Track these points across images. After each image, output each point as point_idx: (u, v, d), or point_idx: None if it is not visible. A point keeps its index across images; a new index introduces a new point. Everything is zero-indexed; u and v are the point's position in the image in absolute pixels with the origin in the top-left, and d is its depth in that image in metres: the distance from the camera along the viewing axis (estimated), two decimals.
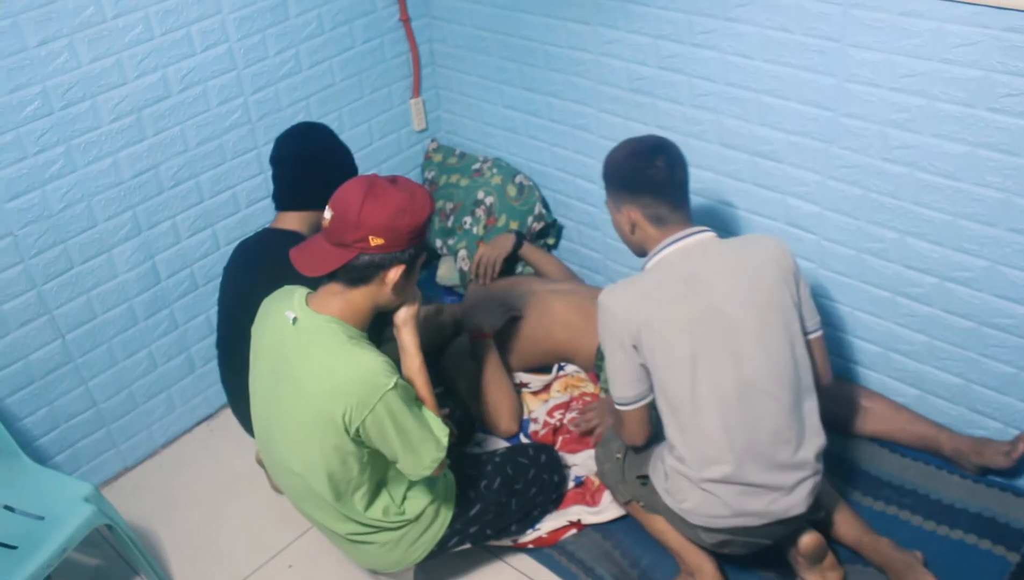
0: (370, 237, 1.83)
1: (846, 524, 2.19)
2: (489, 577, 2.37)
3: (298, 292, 1.97)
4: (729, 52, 2.36)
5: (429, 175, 3.32)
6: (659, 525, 2.21)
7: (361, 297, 1.91)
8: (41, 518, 2.15)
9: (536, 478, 2.34)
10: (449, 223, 3.16)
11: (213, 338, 2.86)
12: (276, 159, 2.36)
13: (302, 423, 1.92)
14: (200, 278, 2.79)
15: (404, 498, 2.10)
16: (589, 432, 2.60)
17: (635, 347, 1.96)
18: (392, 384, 1.85)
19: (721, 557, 2.17)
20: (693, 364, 1.93)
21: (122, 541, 2.25)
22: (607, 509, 2.40)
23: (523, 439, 2.67)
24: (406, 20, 3.05)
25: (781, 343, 1.95)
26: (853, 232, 2.36)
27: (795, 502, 1.98)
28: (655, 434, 2.10)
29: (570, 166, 3.01)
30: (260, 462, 2.62)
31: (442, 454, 1.97)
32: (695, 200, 2.65)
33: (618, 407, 2.07)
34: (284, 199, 2.35)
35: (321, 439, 1.91)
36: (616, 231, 2.14)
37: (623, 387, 2.03)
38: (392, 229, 1.83)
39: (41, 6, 2.20)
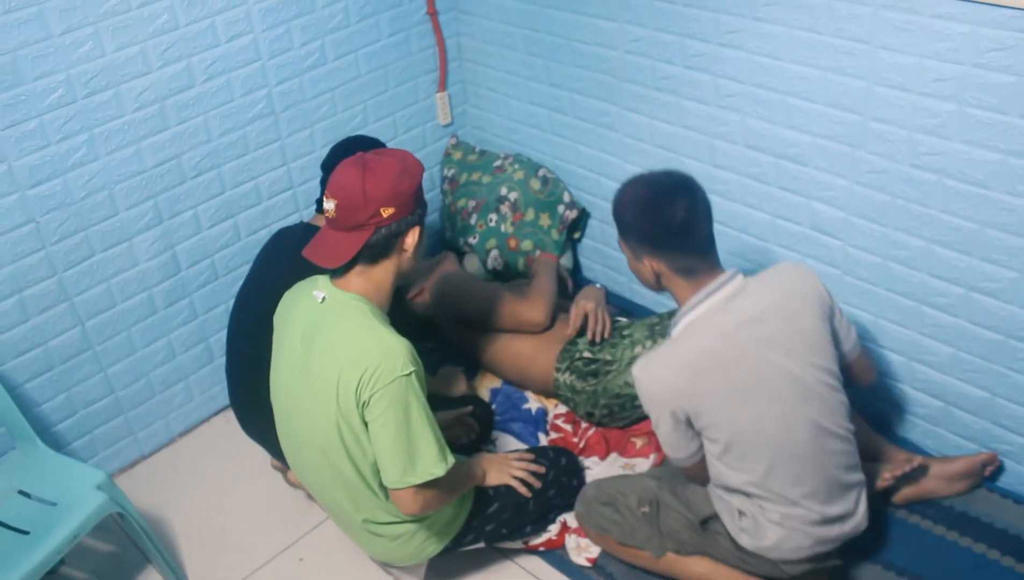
0: (381, 209, 1.86)
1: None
2: (499, 577, 2.35)
3: (321, 278, 2.00)
4: (756, 52, 2.32)
5: (449, 173, 3.30)
6: (703, 567, 2.12)
7: (383, 271, 1.95)
8: (54, 504, 2.17)
9: (555, 480, 2.33)
10: (472, 221, 3.14)
11: None
12: (329, 165, 2.36)
13: (330, 396, 1.91)
14: (220, 268, 2.80)
15: None
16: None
17: (688, 420, 1.90)
18: (411, 371, 1.87)
19: None
20: (758, 423, 1.87)
21: (134, 529, 2.26)
22: (572, 550, 2.34)
23: (542, 439, 2.65)
24: (433, 14, 3.04)
25: (831, 377, 1.92)
26: (879, 239, 2.31)
27: (860, 519, 2.00)
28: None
29: (594, 164, 2.98)
30: (275, 467, 2.62)
31: (439, 472, 1.91)
32: (719, 204, 2.63)
33: (677, 464, 2.04)
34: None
35: (348, 415, 1.90)
36: (634, 274, 2.03)
37: (677, 450, 1.98)
38: (399, 195, 1.87)
39: None
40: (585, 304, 2.63)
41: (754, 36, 2.30)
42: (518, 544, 2.36)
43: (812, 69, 2.23)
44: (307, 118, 2.82)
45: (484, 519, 2.20)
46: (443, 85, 3.19)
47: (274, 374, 2.12)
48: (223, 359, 2.88)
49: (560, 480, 2.34)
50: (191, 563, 2.49)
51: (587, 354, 2.56)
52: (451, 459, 1.95)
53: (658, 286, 1.98)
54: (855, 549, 2.16)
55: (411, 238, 1.94)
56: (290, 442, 2.13)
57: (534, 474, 2.26)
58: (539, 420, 2.68)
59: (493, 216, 3.08)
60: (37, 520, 2.12)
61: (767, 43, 2.28)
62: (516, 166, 3.10)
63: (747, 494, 1.96)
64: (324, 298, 1.96)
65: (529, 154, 3.19)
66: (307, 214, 2.86)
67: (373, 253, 1.92)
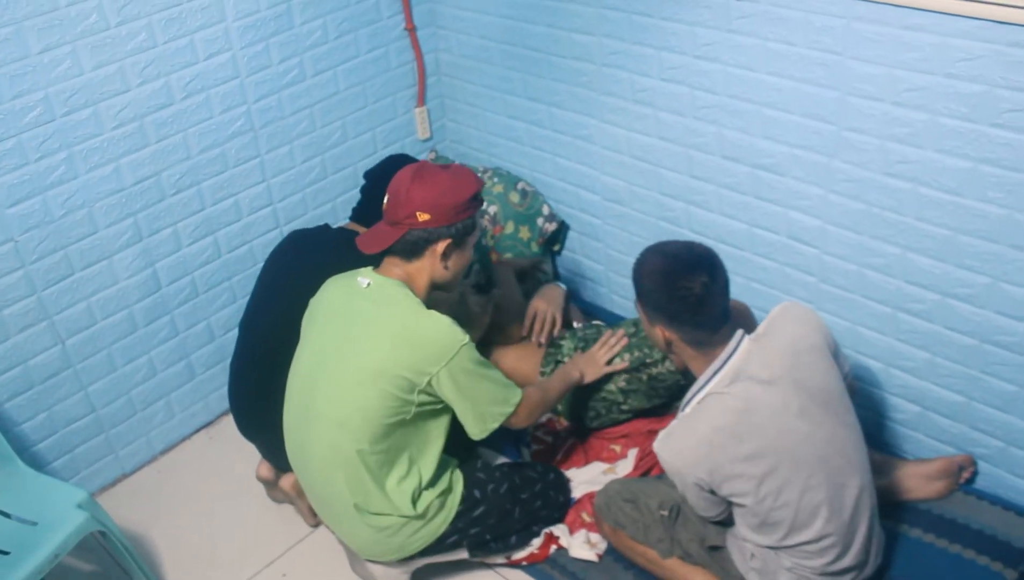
0: (417, 213, 2.02)
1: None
2: None
3: (364, 269, 2.15)
4: (731, 64, 2.35)
5: None
6: (701, 577, 2.16)
7: (417, 270, 2.10)
8: (34, 524, 2.15)
9: (542, 492, 2.35)
10: None
11: (214, 345, 2.89)
12: (373, 174, 2.47)
13: (369, 367, 2.03)
14: (201, 286, 2.79)
15: (425, 487, 2.14)
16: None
17: (712, 491, 1.94)
18: (467, 340, 2.03)
19: None
20: (781, 489, 1.87)
21: (116, 548, 2.25)
22: (578, 547, 2.36)
23: (524, 453, 2.66)
24: (411, 29, 3.05)
25: (848, 432, 1.94)
26: (855, 247, 2.34)
27: (875, 559, 2.03)
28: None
29: (573, 177, 3.00)
30: (260, 478, 2.62)
31: (510, 409, 2.14)
32: (696, 215, 2.65)
33: (704, 516, 2.08)
34: (366, 216, 2.39)
35: (382, 385, 2.01)
36: (647, 334, 2.09)
37: (707, 511, 2.04)
38: (437, 206, 2.02)
39: (44, 13, 2.21)
40: (536, 304, 2.73)
41: (729, 48, 2.33)
42: (501, 559, 2.36)
43: (786, 80, 2.26)
44: (286, 134, 2.82)
45: (470, 521, 2.22)
46: (422, 100, 3.21)
47: (303, 350, 2.19)
48: (204, 376, 2.90)
49: (548, 493, 2.36)
50: None
51: (568, 360, 2.58)
52: (516, 392, 2.15)
53: (669, 352, 2.03)
54: None
55: (440, 247, 2.06)
56: (303, 418, 2.16)
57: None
58: (521, 432, 2.68)
59: None
60: (17, 540, 2.10)
61: (742, 55, 2.31)
62: (495, 180, 3.12)
63: (769, 546, 1.98)
64: (369, 284, 2.10)
65: (508, 168, 3.21)
66: (288, 230, 2.85)
67: (405, 250, 2.08)
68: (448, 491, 2.19)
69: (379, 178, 2.33)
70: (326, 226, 2.53)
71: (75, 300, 2.52)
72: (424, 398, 2.05)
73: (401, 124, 3.19)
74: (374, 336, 2.04)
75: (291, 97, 2.80)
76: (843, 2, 2.07)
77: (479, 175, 3.14)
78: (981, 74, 1.93)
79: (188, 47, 2.51)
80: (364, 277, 2.11)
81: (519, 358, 2.69)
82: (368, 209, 2.39)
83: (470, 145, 3.31)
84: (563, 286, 2.82)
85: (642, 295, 2.00)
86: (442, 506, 2.17)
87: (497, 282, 2.83)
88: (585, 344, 2.61)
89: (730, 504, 1.98)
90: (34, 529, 2.14)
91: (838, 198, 2.31)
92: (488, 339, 2.69)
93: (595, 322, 2.77)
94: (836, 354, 2.00)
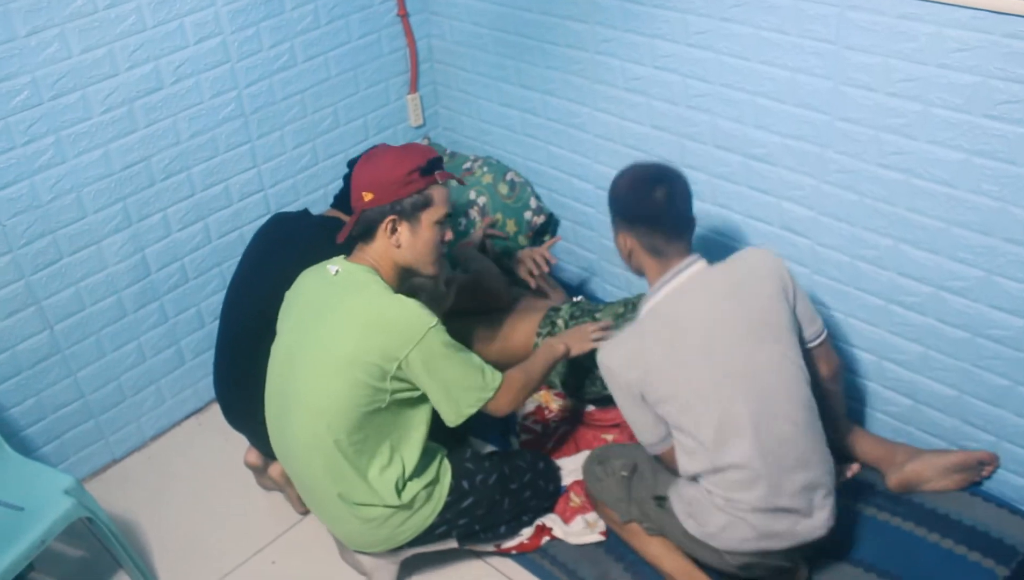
0: (363, 194, 2.04)
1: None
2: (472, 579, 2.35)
3: (337, 257, 2.15)
4: (724, 53, 2.33)
5: None
6: (655, 549, 2.20)
7: (378, 254, 2.09)
8: (21, 509, 2.14)
9: (532, 482, 2.34)
10: None
11: (204, 331, 2.88)
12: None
13: (339, 356, 2.00)
14: (191, 271, 2.78)
15: (409, 476, 2.12)
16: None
17: (643, 397, 2.00)
18: (435, 322, 2.00)
19: None
20: (705, 405, 1.94)
21: (103, 534, 2.24)
22: (579, 534, 2.36)
23: (513, 442, 2.65)
24: (404, 15, 3.03)
25: (787, 365, 1.98)
26: (847, 238, 2.32)
27: (817, 523, 1.99)
28: None
29: (565, 165, 2.98)
30: (248, 465, 2.61)
31: (489, 394, 2.08)
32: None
33: (649, 451, 2.12)
34: (348, 203, 2.34)
35: (353, 373, 1.99)
36: (616, 246, 2.14)
37: (645, 433, 2.08)
38: (377, 184, 2.03)
39: None
40: (520, 254, 2.83)
41: (722, 37, 2.31)
42: (490, 547, 2.36)
43: (780, 69, 2.24)
44: (277, 120, 2.81)
45: (458, 512, 2.20)
46: (414, 87, 3.19)
47: (280, 341, 2.18)
48: (195, 362, 2.89)
49: (537, 483, 2.35)
50: (163, 567, 2.47)
51: (562, 322, 2.59)
52: (495, 376, 2.10)
53: (631, 262, 2.10)
54: (822, 547, 2.17)
55: (386, 225, 2.05)
56: (282, 408, 2.15)
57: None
58: (510, 421, 2.67)
59: (462, 220, 3.06)
60: (4, 526, 2.09)
61: (735, 44, 2.29)
62: (485, 169, 3.09)
63: (696, 474, 2.00)
64: (337, 271, 2.09)
65: (500, 156, 3.19)
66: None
67: (362, 234, 2.09)
68: (435, 482, 2.18)
69: None
70: (307, 212, 2.52)
71: (64, 285, 2.50)
72: (397, 385, 2.02)
73: (393, 111, 3.17)
74: (343, 323, 2.02)
75: (282, 82, 2.78)
76: None
77: (468, 164, 3.13)
78: (977, 65, 1.91)
79: (178, 31, 2.49)
80: (334, 265, 2.11)
81: (515, 324, 2.68)
82: (350, 197, 2.37)
83: (463, 133, 3.29)
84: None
85: (610, 204, 2.10)
86: (429, 497, 2.16)
87: (460, 262, 2.81)
88: (581, 313, 2.61)
89: (669, 436, 2.03)
90: (21, 515, 2.13)
91: (831, 189, 2.29)
92: (484, 307, 2.70)
93: (576, 298, 2.76)
94: (796, 302, 2.05)
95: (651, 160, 2.14)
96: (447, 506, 2.19)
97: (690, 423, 1.96)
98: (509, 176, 3.08)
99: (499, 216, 3.02)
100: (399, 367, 1.99)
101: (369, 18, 2.94)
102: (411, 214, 2.05)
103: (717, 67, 2.36)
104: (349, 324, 2.01)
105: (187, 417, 2.96)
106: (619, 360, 2.02)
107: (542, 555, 2.35)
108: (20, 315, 2.44)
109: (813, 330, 2.10)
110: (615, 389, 2.06)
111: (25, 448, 2.55)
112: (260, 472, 2.60)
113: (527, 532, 2.37)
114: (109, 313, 2.63)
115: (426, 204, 2.06)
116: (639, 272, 2.11)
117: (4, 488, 2.22)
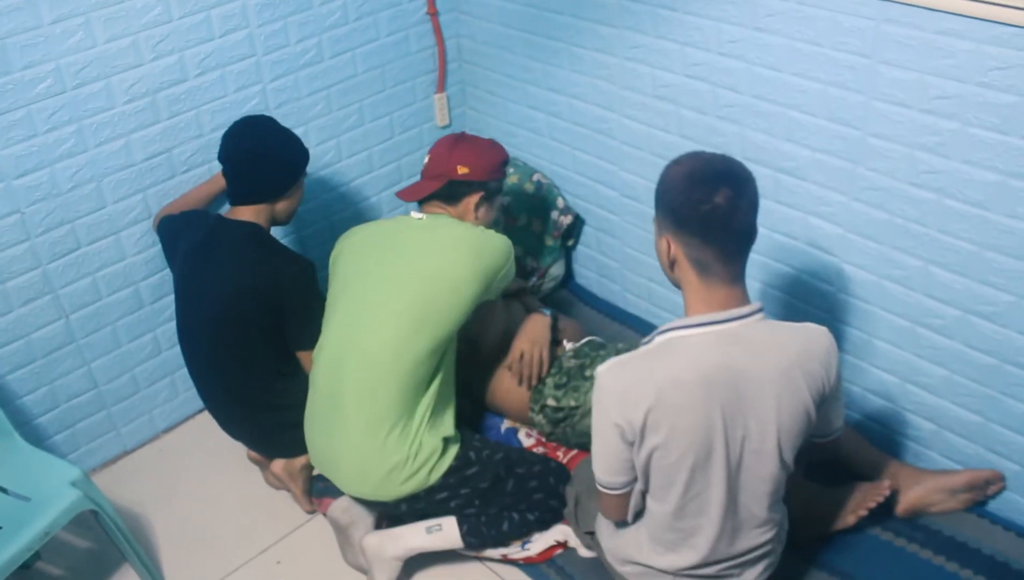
0: (458, 167, 2.35)
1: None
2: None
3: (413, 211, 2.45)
4: (756, 63, 2.28)
5: None
6: None
7: (457, 213, 2.40)
8: (28, 499, 2.13)
9: (540, 474, 2.33)
10: None
11: None
12: (225, 157, 2.39)
13: (426, 277, 2.22)
14: None
15: (427, 430, 2.20)
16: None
17: (626, 434, 1.72)
18: (512, 249, 2.38)
19: None
20: (691, 475, 1.73)
21: (109, 527, 2.23)
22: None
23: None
24: (434, 14, 3.00)
25: (780, 458, 1.76)
26: (876, 257, 2.27)
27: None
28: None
29: (591, 171, 2.94)
30: (252, 459, 2.60)
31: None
32: None
33: (600, 488, 1.87)
34: (240, 195, 2.38)
35: (440, 298, 2.21)
36: (656, 253, 1.82)
37: (609, 473, 1.81)
38: (475, 163, 2.37)
39: None
40: (521, 345, 2.53)
41: (755, 47, 2.26)
42: (496, 554, 2.33)
43: (812, 82, 2.19)
44: (301, 116, 2.79)
45: (461, 480, 2.22)
46: (442, 86, 3.16)
47: (349, 281, 2.31)
48: None
49: (547, 480, 2.33)
50: (168, 562, 2.46)
51: (551, 402, 2.50)
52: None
53: (671, 273, 1.77)
54: (837, 569, 2.12)
55: (475, 198, 2.39)
56: (344, 346, 2.23)
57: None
58: (510, 437, 2.65)
59: None
60: (10, 515, 2.09)
61: (768, 54, 2.25)
62: (511, 170, 3.06)
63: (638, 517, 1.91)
64: (423, 217, 2.39)
65: (526, 159, 3.16)
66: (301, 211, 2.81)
67: (447, 196, 2.39)
68: (449, 442, 2.22)
69: (246, 158, 2.36)
70: (232, 223, 2.39)
71: (80, 274, 2.49)
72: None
73: (420, 110, 3.14)
74: (446, 247, 2.26)
75: (307, 78, 2.76)
76: (874, 3, 1.99)
77: None
78: (1016, 84, 1.85)
79: (204, 23, 2.47)
80: (417, 214, 2.41)
81: (513, 386, 2.58)
82: (242, 189, 2.38)
83: (489, 134, 3.26)
84: (548, 313, 2.62)
85: (658, 197, 1.74)
86: (442, 454, 2.20)
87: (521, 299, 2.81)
88: (568, 379, 2.50)
89: (629, 487, 1.82)
90: (27, 505, 2.12)
91: (861, 206, 2.24)
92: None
93: (591, 338, 2.66)
94: (825, 402, 1.79)
95: (714, 152, 1.77)
96: (451, 470, 2.21)
97: (664, 485, 1.77)
98: (535, 177, 3.05)
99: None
100: (492, 283, 2.30)
101: (398, 16, 2.91)
102: (492, 196, 2.44)
103: (748, 77, 2.31)
104: (456, 247, 2.26)
105: (200, 411, 2.94)
106: (623, 386, 1.72)
107: (548, 564, 2.32)
108: (36, 303, 2.44)
109: (829, 429, 1.88)
110: (601, 410, 1.75)
111: (36, 437, 2.55)
112: (263, 467, 2.60)
113: (534, 547, 2.33)
114: (126, 304, 2.62)
115: (500, 191, 2.50)
116: (677, 285, 1.78)
117: (12, 478, 2.21)
